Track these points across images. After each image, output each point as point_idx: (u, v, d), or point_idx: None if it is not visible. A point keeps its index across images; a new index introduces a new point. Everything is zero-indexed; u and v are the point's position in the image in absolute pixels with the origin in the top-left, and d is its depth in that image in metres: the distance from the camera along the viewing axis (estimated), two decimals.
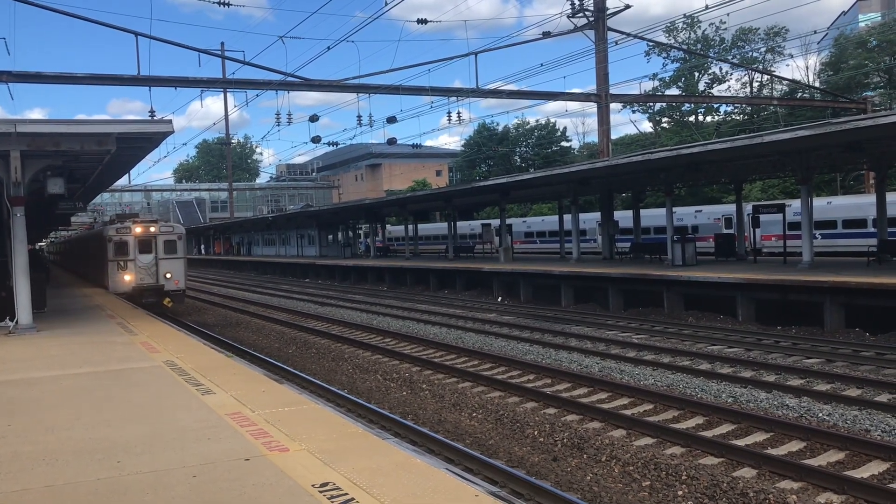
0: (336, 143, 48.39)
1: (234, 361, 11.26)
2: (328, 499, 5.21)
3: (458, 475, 5.77)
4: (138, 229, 26.64)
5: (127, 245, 26.46)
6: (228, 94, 56.09)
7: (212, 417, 7.68)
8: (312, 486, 5.49)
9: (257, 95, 41.61)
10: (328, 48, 50.01)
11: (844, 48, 58.03)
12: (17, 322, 15.63)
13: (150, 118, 29.87)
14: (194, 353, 12.03)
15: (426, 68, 35.09)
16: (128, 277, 26.29)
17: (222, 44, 44.07)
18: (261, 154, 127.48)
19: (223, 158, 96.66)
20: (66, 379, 10.11)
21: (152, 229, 26.88)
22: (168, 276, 26.68)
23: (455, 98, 36.20)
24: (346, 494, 5.28)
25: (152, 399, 8.67)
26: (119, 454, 6.50)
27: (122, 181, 41.96)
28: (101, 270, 28.89)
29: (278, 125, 41.40)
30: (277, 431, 7.04)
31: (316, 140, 43.10)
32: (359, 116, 39.32)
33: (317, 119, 39.64)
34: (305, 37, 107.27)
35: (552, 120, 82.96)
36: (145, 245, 26.62)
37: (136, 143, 15.88)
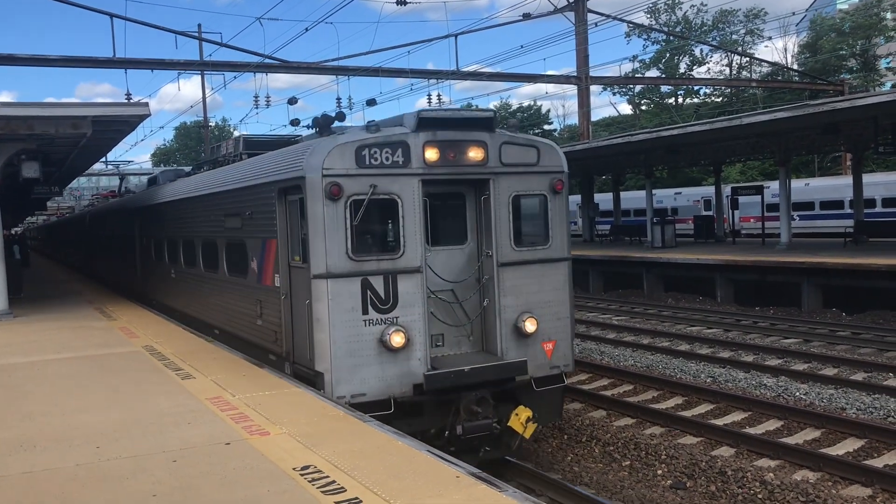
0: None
1: (214, 346, 11.18)
2: (309, 482, 5.20)
3: (440, 457, 5.78)
4: (431, 153, 8.48)
5: (396, 213, 8.44)
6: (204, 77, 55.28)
7: (192, 402, 7.63)
8: (294, 469, 5.48)
9: (235, 77, 41.06)
10: (306, 29, 49.32)
11: (820, 31, 58.32)
12: None
13: (125, 101, 29.48)
14: (174, 338, 11.94)
15: (406, 50, 34.69)
16: (399, 340, 8.21)
17: (199, 25, 43.39)
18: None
19: (201, 141, 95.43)
20: (44, 365, 10.00)
21: (473, 154, 8.70)
22: (530, 326, 8.89)
23: (435, 80, 35.94)
24: (328, 477, 5.27)
25: (132, 384, 8.60)
26: (98, 440, 6.44)
27: (98, 165, 41.37)
28: (275, 311, 9.42)
29: (256, 107, 40.86)
30: (258, 415, 7.01)
31: (295, 123, 42.43)
32: (338, 99, 38.88)
33: (295, 101, 38.92)
34: (283, 18, 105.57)
35: (538, 103, 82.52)
36: (453, 213, 9.09)
37: (112, 126, 15.62)
